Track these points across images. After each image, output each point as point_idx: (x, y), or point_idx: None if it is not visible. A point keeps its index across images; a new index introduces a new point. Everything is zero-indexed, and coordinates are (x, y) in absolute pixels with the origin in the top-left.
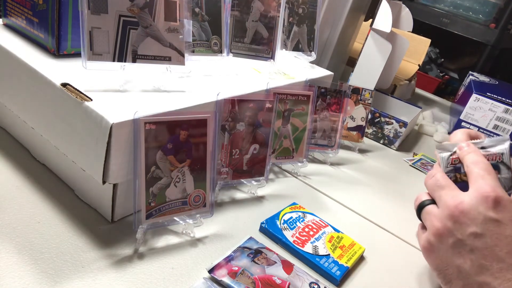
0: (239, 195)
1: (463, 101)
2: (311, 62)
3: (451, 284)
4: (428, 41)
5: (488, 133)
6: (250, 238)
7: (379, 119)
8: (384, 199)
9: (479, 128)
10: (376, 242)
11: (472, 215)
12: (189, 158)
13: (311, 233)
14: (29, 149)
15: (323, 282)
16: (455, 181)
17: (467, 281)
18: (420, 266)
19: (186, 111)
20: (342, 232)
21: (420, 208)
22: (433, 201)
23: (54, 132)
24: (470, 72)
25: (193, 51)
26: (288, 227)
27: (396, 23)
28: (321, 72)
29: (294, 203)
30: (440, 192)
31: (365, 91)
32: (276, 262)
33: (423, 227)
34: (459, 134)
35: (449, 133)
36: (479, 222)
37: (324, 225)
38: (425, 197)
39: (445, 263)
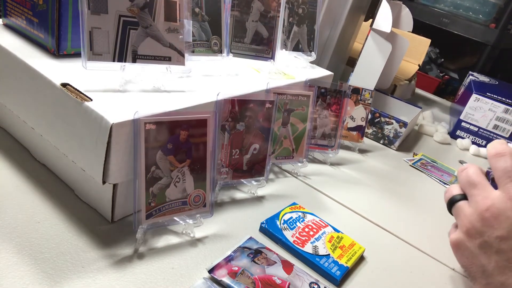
0: (239, 195)
1: (463, 101)
2: (311, 62)
3: (475, 281)
4: (428, 41)
5: (488, 133)
6: (250, 238)
7: (379, 119)
8: (384, 199)
9: (479, 128)
10: (376, 242)
11: (501, 219)
12: (189, 158)
13: (311, 233)
14: (29, 149)
15: (323, 282)
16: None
17: (490, 280)
18: (420, 266)
19: (186, 111)
20: (342, 232)
21: (451, 203)
22: (464, 196)
23: (54, 132)
24: (470, 72)
25: (193, 51)
26: (288, 227)
27: (396, 23)
28: (321, 72)
29: (294, 203)
30: (472, 190)
31: (365, 91)
32: (276, 262)
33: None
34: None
35: (449, 133)
36: (506, 226)
37: (324, 225)
38: (456, 191)
39: (470, 261)
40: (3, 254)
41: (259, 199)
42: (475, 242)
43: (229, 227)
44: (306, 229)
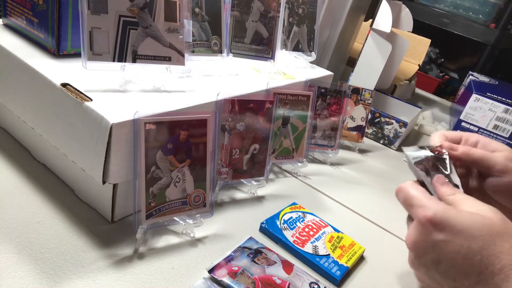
0: (239, 195)
1: (463, 101)
2: (311, 62)
3: None
4: (428, 41)
5: (488, 133)
6: (250, 238)
7: (379, 119)
8: (384, 199)
9: (479, 128)
10: (376, 242)
11: (422, 245)
12: (189, 158)
13: (311, 233)
14: (29, 149)
15: (323, 282)
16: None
17: None
18: None
19: (186, 111)
20: (342, 232)
21: None
22: None
23: (54, 132)
24: (470, 72)
25: (193, 51)
26: (288, 227)
27: (396, 23)
28: (321, 72)
29: (294, 203)
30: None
31: (365, 91)
32: (276, 262)
33: None
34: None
35: None
36: (431, 249)
37: (324, 225)
38: None
39: None
40: (3, 254)
41: (259, 199)
42: (423, 275)
43: (229, 227)
44: (306, 229)
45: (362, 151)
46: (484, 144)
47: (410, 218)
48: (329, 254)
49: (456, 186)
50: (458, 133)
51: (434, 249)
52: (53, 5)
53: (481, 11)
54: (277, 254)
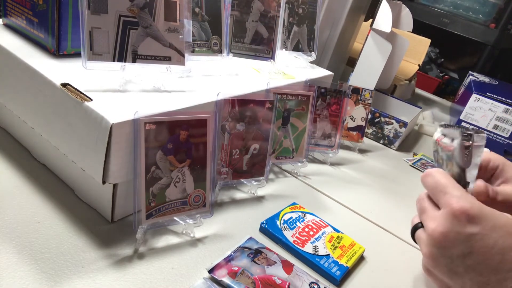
0: (239, 195)
1: (463, 101)
2: (311, 62)
3: None
4: (428, 41)
5: (488, 133)
6: (250, 238)
7: (379, 119)
8: (384, 199)
9: (479, 128)
10: (376, 242)
11: (453, 236)
12: (189, 158)
13: (311, 233)
14: (29, 149)
15: (323, 282)
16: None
17: None
18: (420, 266)
19: (186, 111)
20: (342, 232)
21: (413, 232)
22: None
23: (54, 132)
24: (470, 72)
25: (193, 51)
26: (288, 227)
27: (396, 23)
28: (321, 72)
29: (294, 203)
30: (422, 216)
31: (365, 91)
32: (276, 262)
33: None
34: None
35: None
36: (462, 242)
37: (324, 225)
38: (418, 219)
39: (446, 285)
40: (3, 254)
41: (259, 199)
42: (441, 267)
43: (229, 227)
44: (306, 229)
45: (362, 151)
46: (503, 169)
47: (432, 206)
48: (329, 254)
49: (467, 183)
50: (486, 156)
51: (466, 241)
52: (53, 5)
53: (481, 11)
54: (277, 254)
